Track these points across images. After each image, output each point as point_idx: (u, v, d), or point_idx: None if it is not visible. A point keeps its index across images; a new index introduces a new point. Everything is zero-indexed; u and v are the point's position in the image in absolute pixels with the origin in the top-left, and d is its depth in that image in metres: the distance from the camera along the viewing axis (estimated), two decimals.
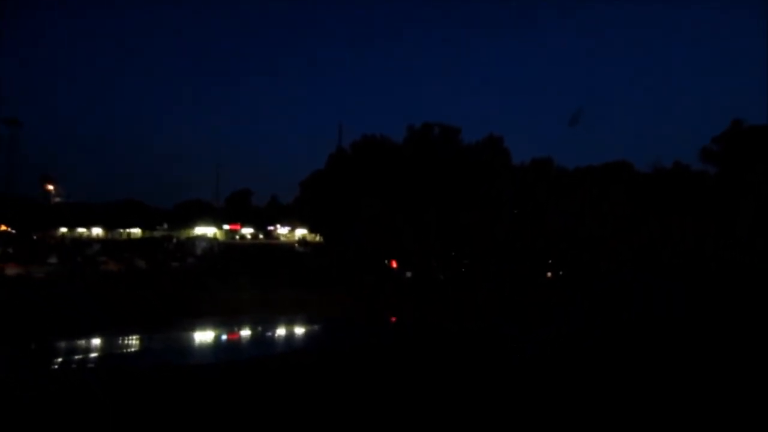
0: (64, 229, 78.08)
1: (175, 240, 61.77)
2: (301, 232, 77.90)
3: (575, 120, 67.52)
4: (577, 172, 44.54)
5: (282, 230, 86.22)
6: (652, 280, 27.57)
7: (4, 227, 62.70)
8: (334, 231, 50.22)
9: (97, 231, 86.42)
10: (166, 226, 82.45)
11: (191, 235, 72.88)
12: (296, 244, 70.08)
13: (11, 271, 29.98)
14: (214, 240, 68.42)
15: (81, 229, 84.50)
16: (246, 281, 33.60)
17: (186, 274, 33.36)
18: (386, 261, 45.54)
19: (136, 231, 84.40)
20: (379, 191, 43.15)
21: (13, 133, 59.29)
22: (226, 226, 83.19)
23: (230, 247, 60.83)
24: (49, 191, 63.53)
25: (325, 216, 50.32)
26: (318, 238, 66.78)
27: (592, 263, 36.04)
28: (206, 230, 78.86)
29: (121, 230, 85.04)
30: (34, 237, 56.68)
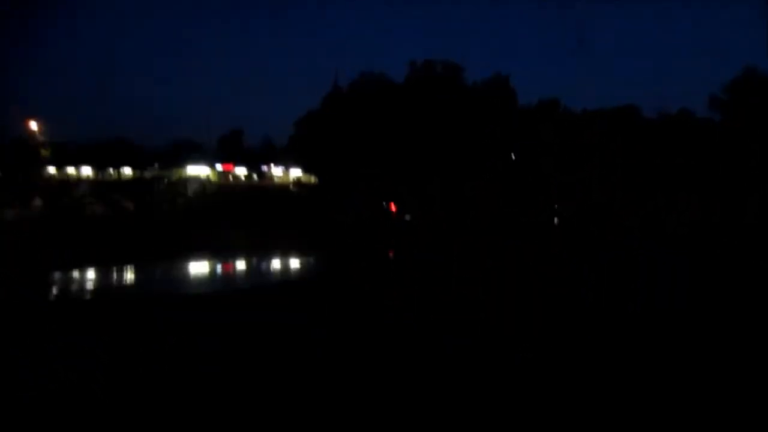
0: (52, 170, 76.11)
1: (166, 181, 60.35)
2: (295, 173, 76.36)
3: (581, 42, 64.93)
4: (585, 115, 42.82)
5: (276, 171, 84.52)
6: (656, 253, 26.53)
7: None
8: (329, 172, 48.86)
9: (86, 171, 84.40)
10: (157, 166, 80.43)
11: (183, 175, 71.18)
12: (291, 186, 68.87)
13: None
14: (206, 181, 66.98)
15: (70, 170, 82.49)
16: (239, 222, 32.78)
17: (175, 215, 32.40)
18: (384, 204, 44.66)
19: (127, 171, 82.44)
20: (377, 131, 41.49)
21: None
22: (218, 167, 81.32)
23: (223, 188, 59.61)
24: (33, 131, 61.09)
25: (320, 157, 48.77)
26: (313, 179, 65.42)
27: (598, 222, 35.05)
28: (198, 171, 77.06)
29: (112, 170, 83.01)
30: (20, 178, 55.00)
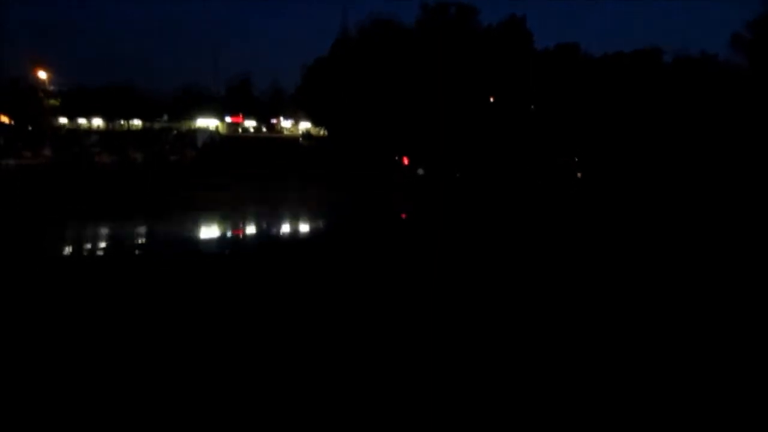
0: (64, 120, 75.79)
1: (174, 132, 59.79)
2: (305, 125, 75.26)
3: None
4: (605, 59, 40.79)
5: (285, 123, 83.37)
6: None
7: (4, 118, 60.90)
8: (339, 124, 47.88)
9: (97, 122, 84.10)
10: (165, 117, 79.76)
11: (192, 127, 70.60)
12: (300, 138, 68.04)
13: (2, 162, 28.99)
14: (215, 133, 66.36)
15: (82, 120, 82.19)
16: (249, 174, 32.47)
17: (184, 167, 32.15)
18: (397, 157, 43.73)
19: (136, 123, 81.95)
20: (387, 79, 40.21)
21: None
22: (227, 118, 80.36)
23: (232, 141, 58.95)
24: (42, 80, 60.29)
25: (329, 107, 47.64)
26: (322, 132, 64.42)
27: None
28: (207, 122, 76.26)
29: (122, 121, 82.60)
30: (30, 128, 54.78)
